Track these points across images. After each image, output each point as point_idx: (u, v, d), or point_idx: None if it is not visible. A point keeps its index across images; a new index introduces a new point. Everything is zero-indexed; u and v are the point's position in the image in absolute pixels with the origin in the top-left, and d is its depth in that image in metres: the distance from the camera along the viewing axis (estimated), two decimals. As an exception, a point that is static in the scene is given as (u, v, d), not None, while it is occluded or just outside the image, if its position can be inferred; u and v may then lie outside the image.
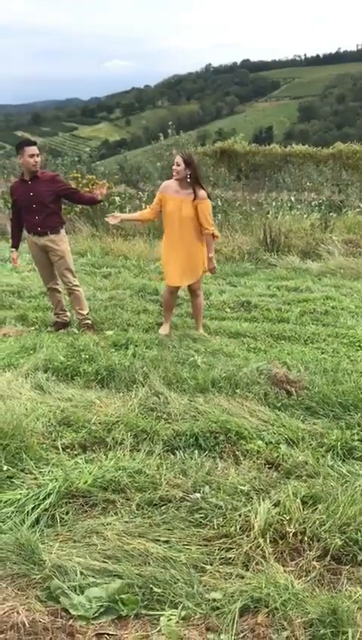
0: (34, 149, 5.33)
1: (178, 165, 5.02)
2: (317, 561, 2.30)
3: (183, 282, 5.42)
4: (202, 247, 5.33)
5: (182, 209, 5.09)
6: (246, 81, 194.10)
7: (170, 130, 19.60)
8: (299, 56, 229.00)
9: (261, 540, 2.36)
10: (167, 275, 5.50)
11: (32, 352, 4.80)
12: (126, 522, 2.52)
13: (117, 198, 12.49)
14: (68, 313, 5.98)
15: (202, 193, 5.10)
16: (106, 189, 5.66)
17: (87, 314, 5.78)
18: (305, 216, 11.24)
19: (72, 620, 2.00)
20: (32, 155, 5.28)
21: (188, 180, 5.05)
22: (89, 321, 5.76)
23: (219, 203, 13.09)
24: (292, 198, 13.63)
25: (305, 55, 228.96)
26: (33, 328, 5.82)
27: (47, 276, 5.78)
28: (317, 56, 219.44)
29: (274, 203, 13.13)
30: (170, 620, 1.98)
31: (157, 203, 5.29)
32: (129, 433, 3.31)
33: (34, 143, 5.48)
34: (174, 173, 5.07)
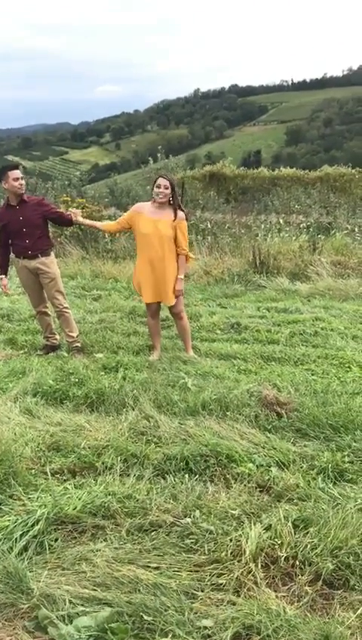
0: (17, 173, 5.36)
1: (166, 188, 5.10)
2: (309, 586, 2.28)
3: (161, 299, 5.45)
4: (177, 269, 5.37)
5: (161, 229, 5.16)
6: (235, 105, 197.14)
7: (159, 154, 19.82)
8: (286, 82, 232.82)
9: (252, 565, 2.34)
10: (143, 293, 5.53)
11: (21, 375, 4.77)
12: (116, 548, 2.48)
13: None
14: (57, 336, 5.97)
15: (181, 214, 5.21)
16: (79, 216, 5.70)
17: (76, 337, 5.77)
18: (294, 238, 11.32)
19: (60, 651, 1.96)
20: (16, 179, 5.30)
21: (171, 202, 5.18)
22: (78, 344, 5.74)
23: (209, 225, 13.17)
24: (281, 221, 13.73)
25: (292, 80, 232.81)
26: (22, 352, 5.79)
27: (36, 300, 5.77)
28: (304, 81, 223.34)
29: (262, 225, 13.22)
30: (161, 649, 1.95)
31: (127, 220, 5.38)
32: (119, 457, 3.28)
33: (16, 167, 5.52)
34: (161, 196, 5.12)
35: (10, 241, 5.55)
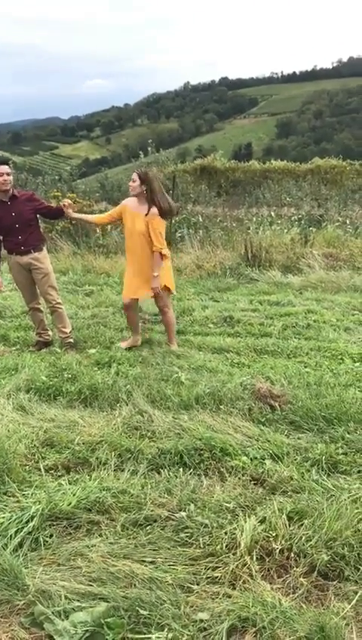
0: (2, 168, 5.28)
1: (133, 181, 5.20)
2: (304, 578, 2.29)
3: (137, 295, 5.53)
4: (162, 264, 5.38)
5: (136, 224, 5.24)
6: (225, 98, 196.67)
7: (150, 148, 19.72)
8: (276, 74, 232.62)
9: (247, 558, 2.34)
10: (125, 288, 5.61)
11: (13, 372, 4.76)
12: (111, 544, 2.49)
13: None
14: (50, 332, 5.95)
15: (153, 210, 5.18)
16: (71, 209, 5.66)
17: (69, 332, 5.76)
18: (286, 231, 11.33)
19: (56, 647, 1.96)
20: (1, 174, 5.23)
21: (146, 195, 5.21)
22: (71, 340, 5.73)
23: (200, 219, 13.16)
24: (273, 214, 13.73)
25: (281, 72, 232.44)
26: (15, 348, 5.77)
27: (29, 296, 5.75)
28: (294, 73, 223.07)
29: (254, 218, 13.22)
30: (157, 642, 1.95)
31: (117, 212, 5.49)
32: (113, 453, 3.28)
33: (5, 162, 5.47)
34: (130, 189, 5.24)
35: (1, 238, 5.52)
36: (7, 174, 5.31)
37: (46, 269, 5.60)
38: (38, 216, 5.60)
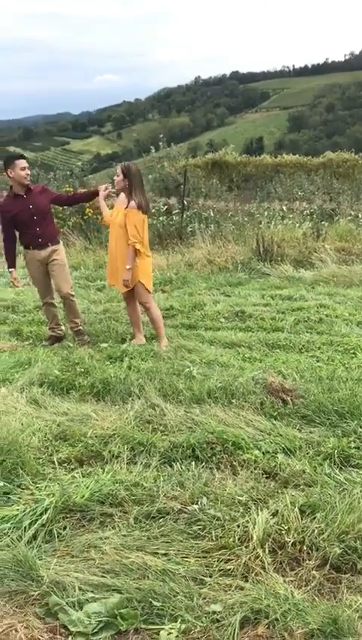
0: (24, 162, 5.42)
1: (117, 176, 5.25)
2: (317, 571, 2.29)
3: (113, 282, 5.65)
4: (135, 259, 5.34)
5: (115, 217, 5.33)
6: (236, 92, 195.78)
7: (161, 143, 19.71)
8: (288, 67, 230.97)
9: (260, 551, 2.35)
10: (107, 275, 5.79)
11: (26, 366, 4.79)
12: (124, 536, 2.50)
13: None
14: (62, 327, 5.99)
15: (132, 203, 5.18)
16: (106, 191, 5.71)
17: (79, 322, 5.86)
18: (298, 225, 11.28)
19: (70, 637, 1.98)
20: (23, 168, 5.36)
21: (127, 189, 5.25)
22: (80, 328, 5.84)
23: (212, 214, 13.13)
24: (284, 208, 13.68)
25: (293, 66, 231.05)
26: (28, 343, 5.81)
27: (44, 291, 5.78)
28: (306, 66, 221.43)
29: (266, 213, 13.17)
30: (170, 634, 1.97)
31: None
32: (125, 446, 3.30)
33: (23, 157, 5.56)
34: (115, 183, 5.31)
35: (17, 233, 5.58)
36: (28, 168, 5.46)
37: (62, 261, 5.71)
38: (51, 208, 5.66)
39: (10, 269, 5.69)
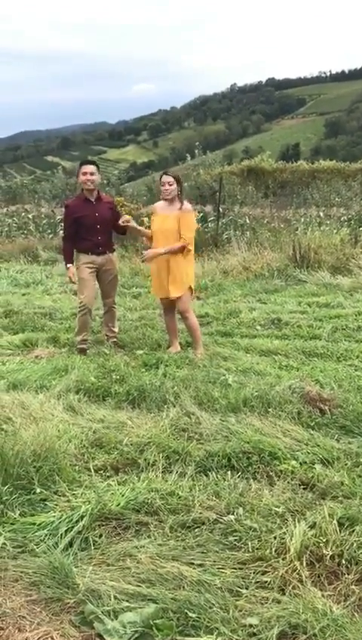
0: (88, 168, 5.56)
1: (170, 185, 5.27)
2: (356, 585, 2.24)
3: (163, 294, 5.54)
4: (185, 264, 5.41)
5: (166, 224, 5.31)
6: (272, 99, 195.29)
7: (196, 151, 19.79)
8: (325, 73, 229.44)
9: (297, 563, 2.31)
10: (153, 288, 5.76)
11: (63, 373, 4.84)
12: (159, 545, 2.49)
13: (145, 219, 12.59)
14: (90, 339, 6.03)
15: (188, 205, 5.36)
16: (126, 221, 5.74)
17: (117, 332, 6.00)
18: (335, 231, 11.16)
19: (106, 646, 1.98)
20: (84, 173, 5.52)
21: (178, 195, 5.32)
22: (116, 339, 5.93)
23: (247, 221, 13.10)
24: (321, 214, 13.56)
25: (330, 71, 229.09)
26: (65, 350, 5.86)
27: (91, 297, 5.79)
28: (343, 72, 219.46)
29: (302, 219, 13.09)
30: (206, 646, 1.94)
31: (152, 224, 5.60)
32: (161, 454, 3.28)
33: (92, 162, 5.74)
34: (166, 194, 5.29)
35: (76, 235, 5.65)
36: (92, 174, 5.56)
37: (116, 271, 5.90)
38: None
39: (69, 265, 5.71)
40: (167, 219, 5.31)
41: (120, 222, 5.62)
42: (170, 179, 5.29)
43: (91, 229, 5.58)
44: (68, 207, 5.78)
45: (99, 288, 5.90)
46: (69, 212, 5.70)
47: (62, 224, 5.93)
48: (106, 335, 5.95)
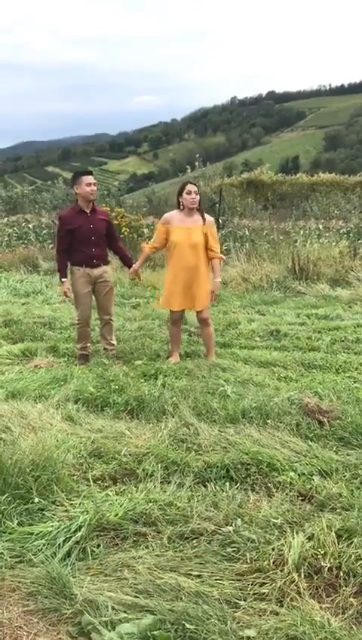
0: (91, 178, 5.50)
1: (197, 194, 5.26)
2: (354, 598, 2.23)
3: (190, 306, 5.55)
4: (208, 274, 5.44)
5: (193, 237, 5.25)
6: (272, 112, 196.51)
7: (196, 163, 19.89)
8: (324, 86, 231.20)
9: (295, 575, 2.30)
10: (169, 301, 5.58)
11: (62, 383, 4.84)
12: (157, 556, 2.48)
13: (145, 230, 12.65)
14: (91, 347, 6.03)
15: (210, 217, 5.39)
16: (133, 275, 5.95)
17: (116, 344, 5.95)
18: (334, 243, 11.21)
19: (103, 657, 1.97)
20: (89, 184, 5.44)
21: (198, 207, 5.30)
22: (115, 352, 5.89)
23: (247, 232, 13.15)
24: (320, 226, 13.62)
25: (329, 85, 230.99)
26: (64, 359, 5.86)
27: (87, 309, 5.77)
28: (342, 85, 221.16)
29: (301, 231, 13.14)
30: (203, 658, 1.93)
31: (162, 235, 5.44)
32: (159, 465, 3.28)
33: (90, 173, 5.65)
34: (194, 202, 5.24)
35: (70, 247, 5.59)
36: (95, 184, 5.54)
37: (111, 283, 5.85)
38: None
39: (64, 280, 5.66)
40: (193, 231, 5.25)
41: (129, 277, 5.76)
42: (195, 187, 5.27)
43: (86, 241, 5.52)
44: (61, 218, 5.68)
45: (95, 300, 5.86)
46: (62, 223, 5.59)
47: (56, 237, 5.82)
48: (105, 348, 5.92)
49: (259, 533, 2.57)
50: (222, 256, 5.38)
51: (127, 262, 6.01)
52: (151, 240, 5.70)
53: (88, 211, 5.54)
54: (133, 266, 5.85)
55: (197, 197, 5.25)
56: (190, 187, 5.26)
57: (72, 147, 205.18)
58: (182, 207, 5.29)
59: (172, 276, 5.48)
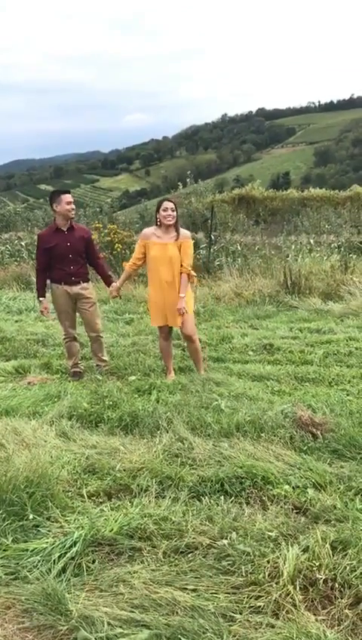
0: (70, 197, 5.56)
1: (173, 211, 5.29)
2: (350, 609, 2.24)
3: (169, 323, 5.55)
4: (189, 291, 5.47)
5: (169, 252, 5.30)
6: (262, 128, 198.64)
7: (188, 179, 20.01)
8: (314, 103, 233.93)
9: (290, 588, 2.31)
10: (152, 317, 5.68)
11: (56, 399, 4.84)
12: (153, 570, 2.48)
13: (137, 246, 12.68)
14: (82, 363, 6.04)
15: (185, 232, 5.41)
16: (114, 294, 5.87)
17: (108, 360, 5.94)
18: (325, 258, 11.28)
19: (99, 673, 1.96)
20: (68, 203, 5.49)
21: (174, 224, 5.33)
22: (107, 368, 5.89)
23: (239, 248, 13.22)
24: (312, 241, 13.71)
25: (319, 102, 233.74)
26: (57, 376, 5.87)
27: (70, 325, 5.83)
28: (331, 102, 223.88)
29: (293, 246, 13.22)
30: (200, 672, 1.93)
31: (141, 250, 5.49)
32: (154, 480, 3.28)
33: (68, 192, 5.70)
34: (170, 219, 5.27)
35: (49, 265, 5.64)
36: (73, 203, 5.58)
37: (93, 299, 5.81)
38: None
39: (41, 299, 5.74)
40: (169, 247, 5.30)
41: (109, 296, 5.84)
42: (172, 204, 5.32)
43: (63, 259, 5.56)
44: (39, 237, 5.74)
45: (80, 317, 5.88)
46: (40, 242, 5.65)
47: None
48: (97, 365, 5.93)
49: (254, 546, 2.57)
50: (191, 271, 5.34)
51: (106, 280, 5.98)
52: (132, 257, 5.70)
53: (65, 229, 5.57)
54: (114, 284, 5.82)
55: (174, 213, 5.29)
56: (166, 204, 5.33)
57: (64, 165, 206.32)
58: (159, 223, 5.35)
59: (151, 292, 5.57)
